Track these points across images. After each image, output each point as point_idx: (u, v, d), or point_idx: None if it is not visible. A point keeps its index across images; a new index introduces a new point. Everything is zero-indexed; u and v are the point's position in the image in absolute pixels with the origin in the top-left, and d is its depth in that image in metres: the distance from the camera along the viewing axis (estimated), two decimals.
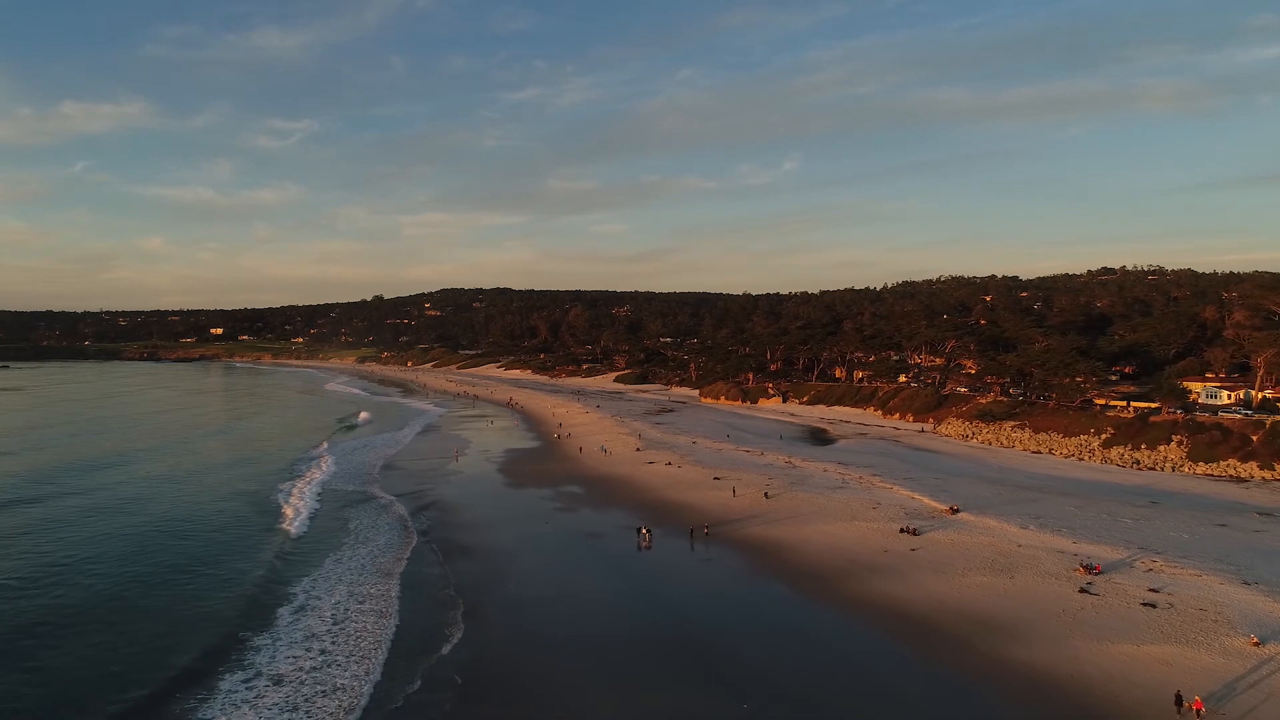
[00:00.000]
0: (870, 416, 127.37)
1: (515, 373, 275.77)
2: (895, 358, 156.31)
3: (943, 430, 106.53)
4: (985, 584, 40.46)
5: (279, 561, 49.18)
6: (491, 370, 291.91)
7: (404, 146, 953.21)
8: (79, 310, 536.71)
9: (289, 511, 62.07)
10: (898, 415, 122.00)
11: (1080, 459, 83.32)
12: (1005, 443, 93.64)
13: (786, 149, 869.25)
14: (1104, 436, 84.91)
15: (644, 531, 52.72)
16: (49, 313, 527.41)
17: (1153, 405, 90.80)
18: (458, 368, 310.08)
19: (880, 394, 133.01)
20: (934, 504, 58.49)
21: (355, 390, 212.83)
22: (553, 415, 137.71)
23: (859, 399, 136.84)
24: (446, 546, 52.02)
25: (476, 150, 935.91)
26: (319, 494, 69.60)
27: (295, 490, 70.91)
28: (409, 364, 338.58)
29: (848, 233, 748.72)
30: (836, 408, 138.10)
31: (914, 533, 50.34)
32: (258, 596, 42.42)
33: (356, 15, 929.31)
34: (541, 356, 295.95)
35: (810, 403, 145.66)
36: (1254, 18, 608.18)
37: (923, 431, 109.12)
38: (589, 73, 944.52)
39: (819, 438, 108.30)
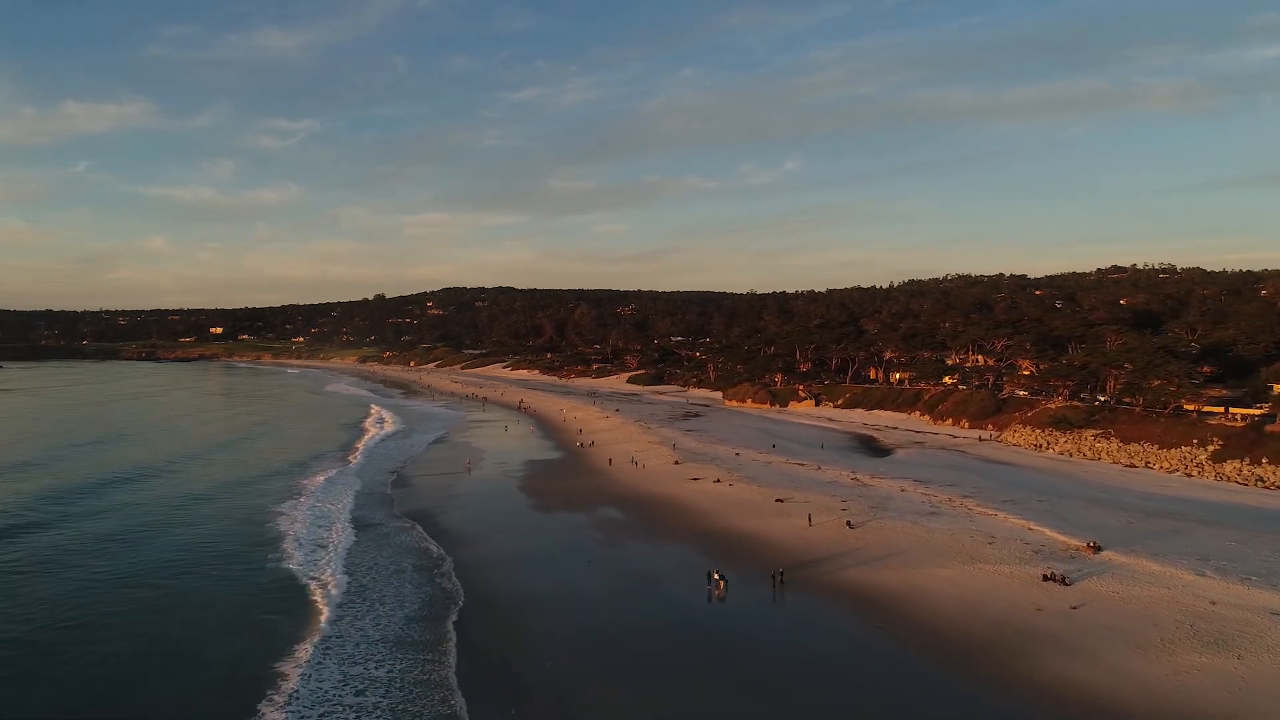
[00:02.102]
0: (917, 422, 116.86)
1: (522, 373, 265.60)
2: (933, 357, 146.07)
3: (1008, 439, 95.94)
4: (1211, 668, 29.91)
5: (270, 618, 38.74)
6: (497, 370, 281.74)
7: (405, 146, 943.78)
8: (79, 310, 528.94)
9: (289, 546, 51.45)
10: (950, 421, 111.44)
11: (1188, 474, 72.79)
12: (1089, 454, 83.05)
13: (787, 149, 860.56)
14: (1211, 448, 74.34)
15: (717, 578, 42.19)
16: (48, 312, 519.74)
17: (1258, 411, 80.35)
18: (462, 368, 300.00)
19: (926, 397, 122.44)
20: (1064, 538, 47.90)
21: (359, 392, 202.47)
22: (570, 420, 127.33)
23: (901, 402, 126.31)
24: (469, 597, 41.50)
25: (477, 150, 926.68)
26: (323, 518, 59.16)
27: (298, 514, 60.46)
28: (412, 364, 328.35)
29: (848, 233, 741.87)
30: (876, 412, 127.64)
31: (1063, 581, 39.78)
32: (231, 677, 31.97)
33: (357, 15, 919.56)
34: (549, 356, 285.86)
35: (846, 406, 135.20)
36: (1255, 17, 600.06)
37: (983, 440, 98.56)
38: (590, 73, 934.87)
39: (871, 447, 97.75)
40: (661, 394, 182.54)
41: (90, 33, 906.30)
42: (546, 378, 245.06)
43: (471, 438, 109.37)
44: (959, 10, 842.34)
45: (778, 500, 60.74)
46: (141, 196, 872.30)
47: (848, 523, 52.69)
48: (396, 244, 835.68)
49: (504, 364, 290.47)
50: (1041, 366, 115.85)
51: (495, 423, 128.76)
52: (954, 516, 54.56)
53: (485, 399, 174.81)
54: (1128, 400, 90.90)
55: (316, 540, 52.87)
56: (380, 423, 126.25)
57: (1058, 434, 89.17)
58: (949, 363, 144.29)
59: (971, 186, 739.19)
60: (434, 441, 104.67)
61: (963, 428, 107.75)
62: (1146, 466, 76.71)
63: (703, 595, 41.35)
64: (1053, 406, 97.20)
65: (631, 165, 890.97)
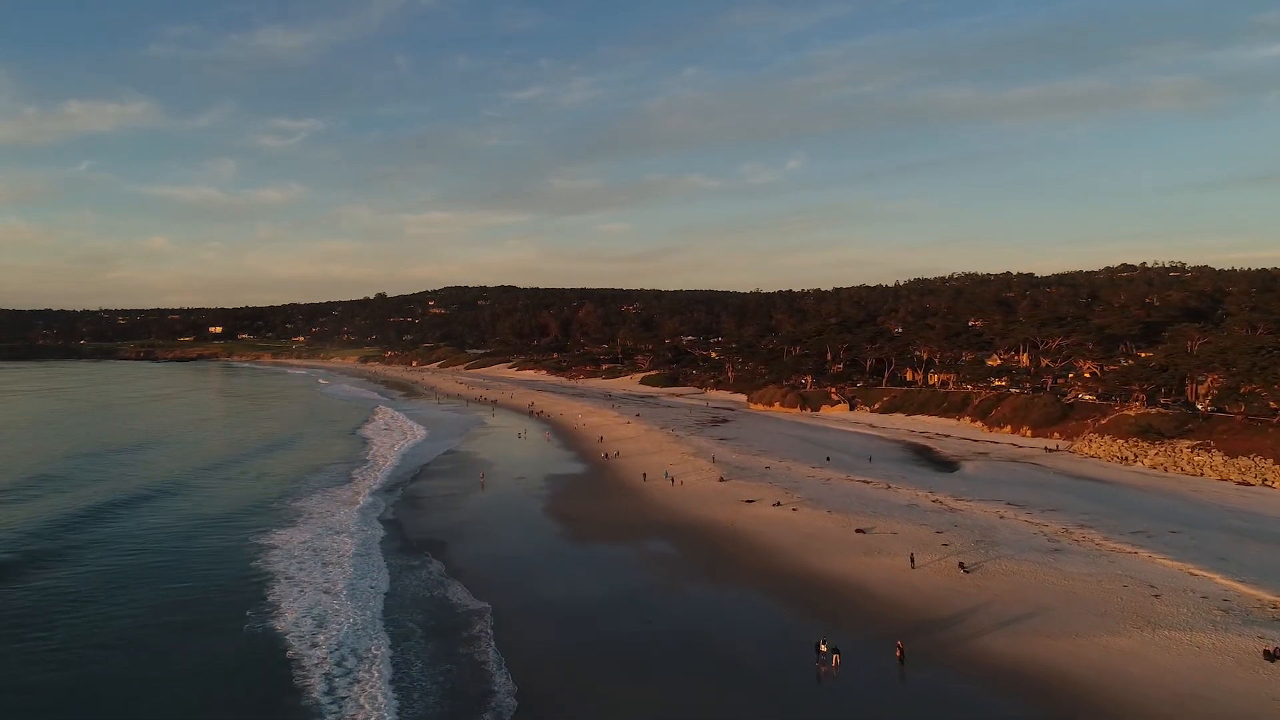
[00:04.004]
0: (968, 429, 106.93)
1: (528, 373, 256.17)
2: (974, 358, 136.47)
3: (1083, 449, 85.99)
4: None
5: (232, 714, 29.09)
6: (502, 370, 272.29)
7: (407, 146, 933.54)
8: (77, 309, 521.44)
9: (278, 594, 41.59)
10: (1008, 428, 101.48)
11: None
12: (1189, 469, 73.14)
13: (790, 148, 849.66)
14: None
15: (825, 650, 32.39)
16: (47, 311, 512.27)
17: None
18: (466, 368, 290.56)
19: (976, 401, 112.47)
20: (1248, 589, 38.06)
21: (361, 394, 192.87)
22: (587, 426, 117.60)
23: (948, 407, 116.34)
24: (518, 685, 31.69)
25: (479, 149, 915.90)
26: (321, 553, 49.44)
27: (294, 548, 50.64)
28: (414, 364, 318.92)
29: (850, 232, 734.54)
30: (919, 417, 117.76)
31: None
32: None
33: (360, 15, 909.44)
34: (555, 356, 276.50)
35: (884, 411, 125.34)
36: (1260, 15, 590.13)
37: (1051, 450, 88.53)
38: (592, 72, 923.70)
39: (931, 459, 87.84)
40: (679, 396, 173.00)
41: (92, 32, 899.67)
42: (554, 378, 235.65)
43: (484, 446, 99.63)
44: (961, 9, 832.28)
45: (858, 531, 51.01)
46: (143, 196, 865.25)
47: (960, 565, 42.87)
48: (398, 243, 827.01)
49: (509, 364, 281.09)
50: (1107, 368, 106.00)
51: (507, 429, 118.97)
52: (1085, 555, 44.76)
53: (494, 402, 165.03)
54: (1225, 407, 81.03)
55: (310, 584, 43.11)
56: (384, 430, 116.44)
57: (1145, 445, 79.24)
58: (989, 363, 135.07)
59: (973, 186, 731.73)
60: (445, 452, 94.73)
61: (1024, 436, 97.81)
62: (1265, 485, 66.82)
63: (806, 669, 31.68)
64: (1131, 413, 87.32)
65: (633, 164, 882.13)
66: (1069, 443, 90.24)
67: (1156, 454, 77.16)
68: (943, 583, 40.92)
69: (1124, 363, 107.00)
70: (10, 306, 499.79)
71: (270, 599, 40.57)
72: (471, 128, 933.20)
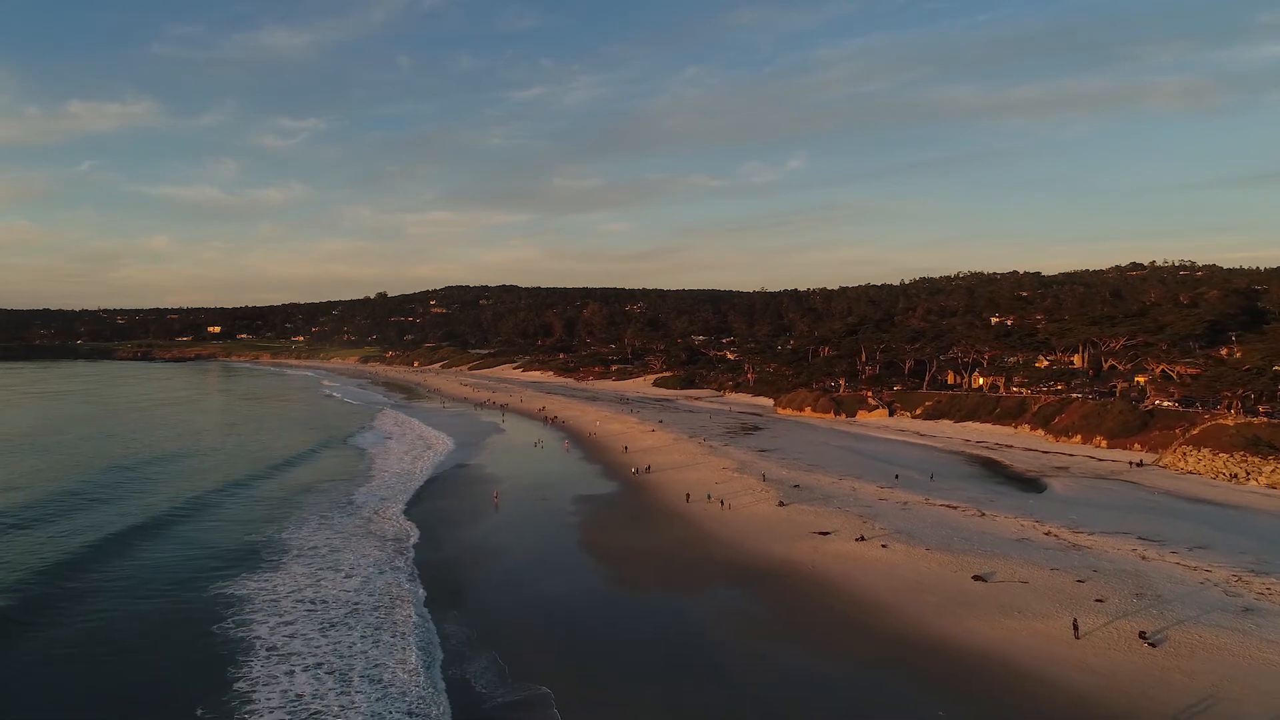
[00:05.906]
0: (1029, 437, 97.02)
1: (535, 374, 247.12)
2: (1018, 359, 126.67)
3: (1175, 463, 76.05)
4: None
5: None
6: (507, 371, 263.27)
7: (409, 145, 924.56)
8: (76, 309, 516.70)
9: (251, 679, 32.04)
10: (1077, 438, 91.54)
11: None
12: None
13: (792, 147, 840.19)
14: None
15: None
16: (45, 311, 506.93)
17: None
18: (470, 369, 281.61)
19: (1035, 407, 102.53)
20: None
21: (363, 396, 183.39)
22: (607, 433, 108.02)
23: (1001, 413, 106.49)
24: None
25: (482, 149, 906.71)
26: (313, 604, 39.69)
27: (282, 598, 41.00)
28: (416, 364, 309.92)
29: (852, 231, 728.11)
30: (969, 424, 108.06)
31: None
32: None
33: (363, 14, 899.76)
34: (562, 356, 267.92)
35: (927, 417, 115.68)
36: (1263, 14, 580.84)
37: (1137, 465, 78.59)
38: (595, 71, 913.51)
39: (1004, 474, 77.95)
40: (697, 399, 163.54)
41: (95, 32, 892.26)
42: (562, 380, 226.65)
43: (499, 459, 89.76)
44: (963, 8, 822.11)
45: (975, 578, 41.19)
46: (145, 196, 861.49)
47: (1140, 634, 33.03)
48: (400, 243, 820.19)
49: (514, 365, 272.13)
50: (1179, 371, 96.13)
51: (521, 437, 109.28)
52: None
53: (504, 406, 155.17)
54: None
55: (299, 658, 33.37)
56: (389, 439, 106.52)
57: (1257, 461, 69.40)
58: (1036, 365, 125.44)
59: (975, 184, 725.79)
60: (457, 465, 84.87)
61: (1099, 447, 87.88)
62: None
63: None
64: (1230, 423, 77.41)
65: (635, 163, 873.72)
66: (1155, 456, 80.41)
67: (1274, 471, 67.28)
68: (1127, 662, 31.11)
69: (1203, 364, 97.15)
70: (10, 306, 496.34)
71: (239, 686, 30.71)
72: (474, 127, 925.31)
